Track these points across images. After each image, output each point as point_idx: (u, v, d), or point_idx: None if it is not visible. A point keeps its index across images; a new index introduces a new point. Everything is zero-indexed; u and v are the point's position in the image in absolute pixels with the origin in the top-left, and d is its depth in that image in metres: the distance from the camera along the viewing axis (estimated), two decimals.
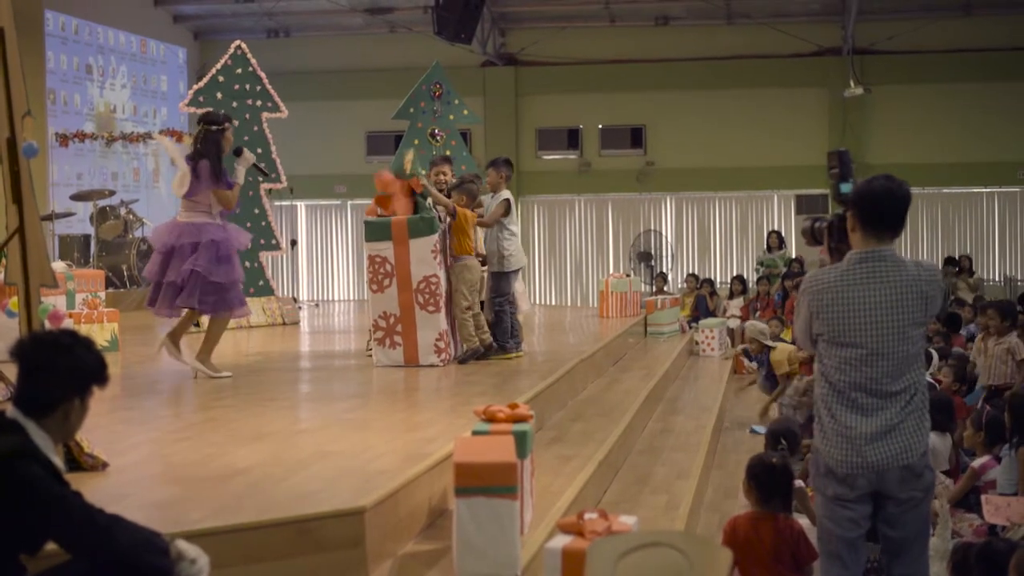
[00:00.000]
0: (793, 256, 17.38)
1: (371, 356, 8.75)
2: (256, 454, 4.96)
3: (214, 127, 7.42)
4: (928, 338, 10.48)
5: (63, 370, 3.11)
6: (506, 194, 8.69)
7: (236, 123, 7.71)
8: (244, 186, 11.87)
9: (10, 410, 3.10)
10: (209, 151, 7.36)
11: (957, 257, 17.59)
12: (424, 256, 7.92)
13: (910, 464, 3.92)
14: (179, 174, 7.37)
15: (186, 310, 7.48)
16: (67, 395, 3.12)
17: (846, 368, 3.97)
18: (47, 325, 4.76)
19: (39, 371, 3.11)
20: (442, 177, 8.58)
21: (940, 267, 16.52)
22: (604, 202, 20.09)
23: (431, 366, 7.97)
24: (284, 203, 16.94)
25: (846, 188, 4.17)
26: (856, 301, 3.94)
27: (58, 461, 3.13)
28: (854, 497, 3.96)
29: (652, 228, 19.80)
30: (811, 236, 4.46)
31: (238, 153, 7.73)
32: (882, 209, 3.95)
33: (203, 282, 7.17)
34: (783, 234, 18.29)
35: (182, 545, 3.14)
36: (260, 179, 8.52)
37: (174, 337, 7.53)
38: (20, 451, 2.98)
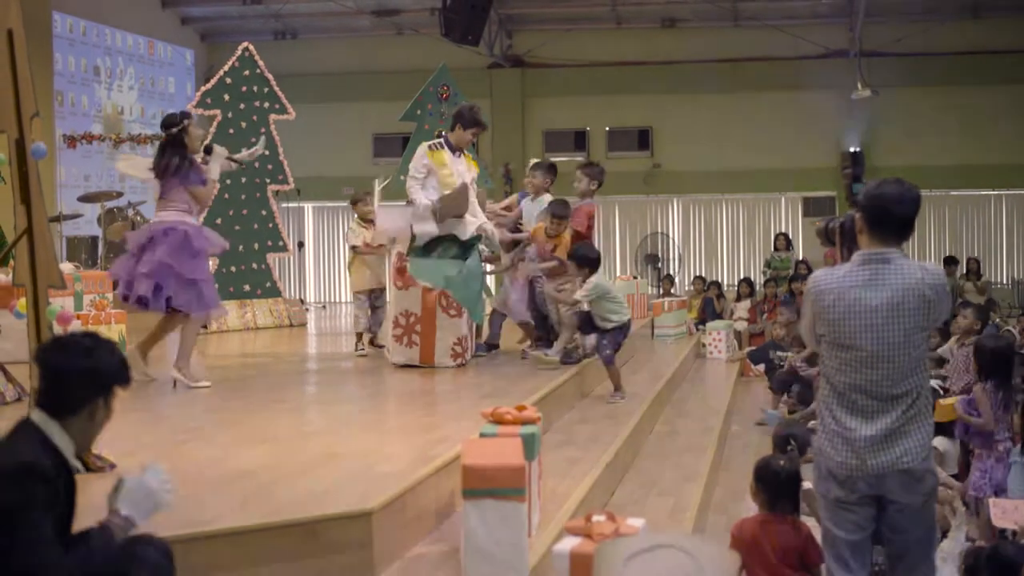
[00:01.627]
0: (800, 258, 17.34)
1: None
2: (263, 456, 4.96)
3: (173, 129, 7.28)
4: None
5: (86, 373, 3.13)
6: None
7: (195, 119, 7.51)
8: (251, 188, 12.02)
9: (35, 413, 3.12)
10: (172, 153, 7.23)
11: (966, 259, 17.54)
12: None
13: (910, 468, 3.88)
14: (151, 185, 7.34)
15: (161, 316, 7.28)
16: (91, 397, 3.15)
17: (846, 370, 3.94)
18: (55, 326, 4.76)
19: (62, 374, 3.13)
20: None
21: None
22: (611, 204, 20.06)
23: (445, 367, 7.99)
24: (291, 205, 16.96)
25: (859, 188, 4.16)
26: (857, 303, 3.91)
27: (76, 463, 3.15)
28: (855, 500, 3.94)
29: (659, 230, 19.78)
30: (825, 236, 4.45)
31: (208, 151, 7.57)
32: (890, 213, 3.91)
33: (176, 277, 6.96)
34: (790, 236, 18.26)
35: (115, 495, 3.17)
36: (237, 166, 8.33)
37: (143, 348, 7.44)
38: (16, 471, 2.93)
